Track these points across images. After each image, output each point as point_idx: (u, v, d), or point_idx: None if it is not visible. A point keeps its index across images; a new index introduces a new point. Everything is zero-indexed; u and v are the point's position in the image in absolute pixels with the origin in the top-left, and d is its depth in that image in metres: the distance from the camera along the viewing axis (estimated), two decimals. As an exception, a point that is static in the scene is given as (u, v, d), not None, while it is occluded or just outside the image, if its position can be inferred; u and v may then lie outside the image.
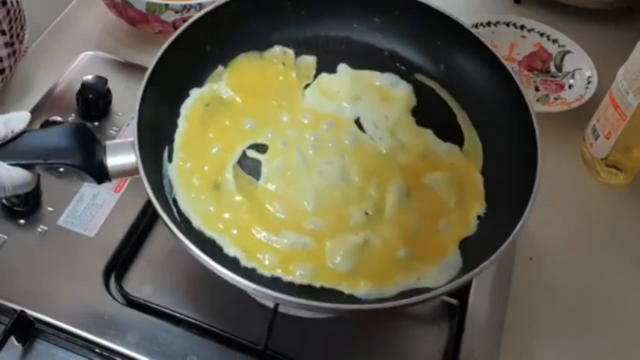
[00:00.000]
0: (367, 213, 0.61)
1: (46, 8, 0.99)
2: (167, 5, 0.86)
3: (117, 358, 0.62)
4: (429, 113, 0.68)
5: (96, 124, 0.78)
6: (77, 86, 0.78)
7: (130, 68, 0.85)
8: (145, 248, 0.69)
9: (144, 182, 0.55)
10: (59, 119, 0.74)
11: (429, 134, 0.67)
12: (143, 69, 0.84)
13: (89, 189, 0.72)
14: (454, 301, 0.69)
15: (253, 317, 0.64)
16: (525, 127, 0.62)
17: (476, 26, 0.99)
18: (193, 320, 0.63)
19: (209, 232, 0.59)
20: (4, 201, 0.69)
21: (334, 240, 0.59)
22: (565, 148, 0.88)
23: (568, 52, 0.97)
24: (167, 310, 0.64)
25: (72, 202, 0.71)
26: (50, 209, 0.70)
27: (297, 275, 0.57)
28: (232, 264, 0.57)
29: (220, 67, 0.68)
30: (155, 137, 0.61)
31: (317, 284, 0.57)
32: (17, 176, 0.54)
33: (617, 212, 0.82)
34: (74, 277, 0.66)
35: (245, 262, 0.58)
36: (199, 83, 0.67)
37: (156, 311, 0.64)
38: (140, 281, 0.67)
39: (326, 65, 0.70)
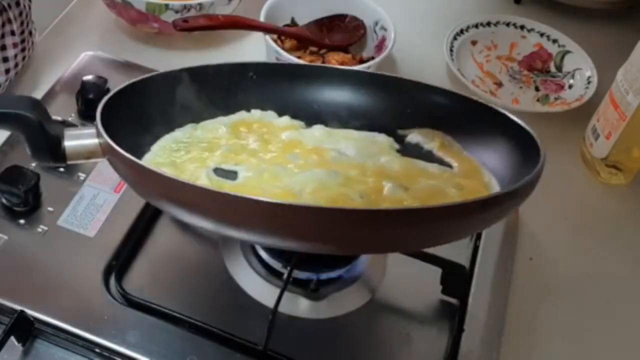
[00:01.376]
0: (361, 197, 0.56)
1: (46, 8, 0.99)
2: (167, 5, 0.86)
3: (117, 358, 0.61)
4: (414, 153, 0.66)
5: (96, 124, 0.78)
6: (77, 86, 0.78)
7: (130, 68, 0.85)
8: (145, 248, 0.69)
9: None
10: (59, 118, 0.74)
11: (419, 162, 0.64)
12: (143, 69, 0.85)
13: (89, 189, 0.72)
14: (454, 301, 0.69)
15: (253, 317, 0.64)
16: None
17: (476, 26, 0.99)
18: (193, 320, 0.63)
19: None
20: (4, 201, 0.69)
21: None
22: (565, 148, 0.88)
23: (568, 52, 0.97)
24: (167, 310, 0.64)
25: (72, 202, 0.71)
26: (50, 209, 0.70)
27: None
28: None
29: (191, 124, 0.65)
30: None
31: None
32: None
33: (617, 212, 0.83)
34: (74, 277, 0.66)
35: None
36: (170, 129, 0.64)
37: (156, 311, 0.64)
38: (140, 281, 0.67)
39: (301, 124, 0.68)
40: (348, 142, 0.65)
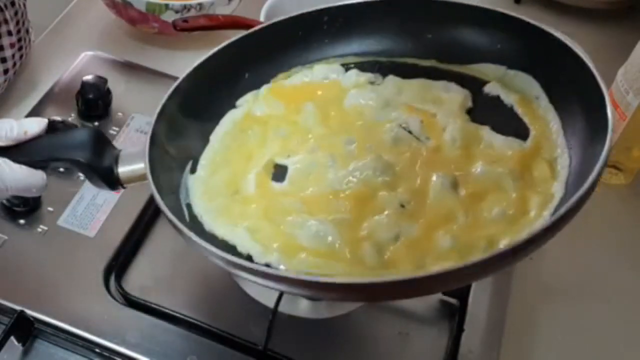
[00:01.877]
0: (402, 205, 0.55)
1: (46, 8, 0.99)
2: (167, 5, 0.86)
3: (117, 358, 0.62)
4: (489, 113, 0.62)
5: (96, 123, 0.78)
6: (77, 86, 0.78)
7: (130, 68, 0.85)
8: (145, 248, 0.69)
9: (152, 189, 0.53)
10: (59, 118, 0.74)
11: (485, 129, 0.60)
12: (143, 69, 0.85)
13: (89, 189, 0.72)
14: (454, 301, 0.69)
15: (253, 317, 0.64)
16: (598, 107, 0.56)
17: (476, 26, 0.99)
18: (193, 320, 0.63)
19: (220, 231, 0.55)
20: (4, 201, 0.69)
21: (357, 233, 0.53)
22: (565, 148, 0.88)
23: (568, 52, 0.97)
24: (167, 310, 0.64)
25: (72, 202, 0.71)
26: (50, 209, 0.70)
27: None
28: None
29: (254, 91, 0.65)
30: (179, 150, 0.59)
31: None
32: (21, 176, 0.54)
33: (617, 212, 0.82)
34: (74, 277, 0.66)
35: (259, 258, 0.53)
36: (234, 103, 0.64)
37: (156, 311, 0.64)
38: (140, 281, 0.67)
39: (371, 78, 0.65)
40: (414, 101, 0.62)
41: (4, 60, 0.79)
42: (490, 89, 0.63)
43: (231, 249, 0.54)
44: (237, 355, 0.62)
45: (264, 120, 0.62)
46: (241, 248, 0.54)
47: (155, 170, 0.55)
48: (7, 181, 0.53)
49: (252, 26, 0.87)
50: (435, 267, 0.50)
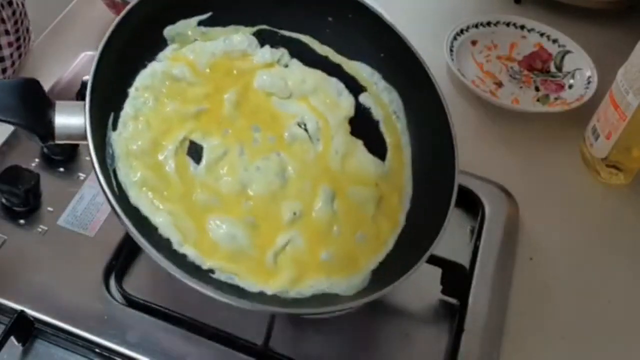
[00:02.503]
0: (295, 213, 0.61)
1: (46, 8, 0.99)
2: (167, 5, 0.86)
3: (117, 358, 0.62)
4: (362, 126, 0.67)
5: (96, 123, 0.78)
6: (77, 86, 0.78)
7: (130, 68, 0.85)
8: (145, 248, 0.69)
9: (91, 152, 0.54)
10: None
11: (359, 144, 0.66)
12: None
13: (89, 189, 0.72)
14: (454, 301, 0.69)
15: (253, 317, 0.64)
16: (448, 161, 0.63)
17: (476, 26, 0.99)
18: (193, 321, 0.63)
19: (144, 209, 0.57)
20: (4, 201, 0.69)
21: (264, 237, 0.59)
22: (565, 148, 0.88)
23: (568, 52, 0.97)
24: (167, 310, 0.64)
25: (72, 202, 0.71)
26: (50, 209, 0.70)
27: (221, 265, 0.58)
28: (164, 246, 0.56)
29: (175, 45, 0.65)
30: (104, 103, 0.58)
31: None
32: None
33: (617, 212, 0.82)
34: (74, 277, 0.66)
35: (177, 246, 0.57)
36: (156, 57, 0.64)
37: (156, 311, 0.64)
38: (140, 281, 0.67)
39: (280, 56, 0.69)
40: (314, 100, 0.67)
41: (2, 59, 0.79)
42: (364, 99, 0.68)
43: (154, 228, 0.57)
44: (237, 355, 0.62)
45: (182, 87, 0.64)
46: (162, 231, 0.57)
47: (93, 130, 0.55)
48: None
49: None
50: (308, 282, 0.59)
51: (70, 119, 0.55)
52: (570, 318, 0.72)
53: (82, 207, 0.70)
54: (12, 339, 0.61)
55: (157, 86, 0.63)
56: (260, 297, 0.57)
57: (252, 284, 0.57)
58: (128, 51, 0.61)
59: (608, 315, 0.73)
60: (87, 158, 0.74)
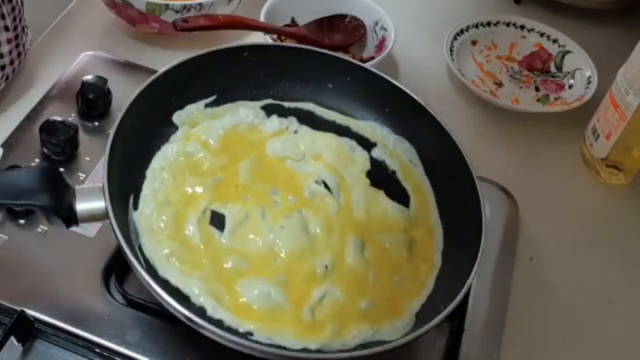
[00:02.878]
0: (326, 267, 0.61)
1: (46, 8, 0.99)
2: (167, 5, 0.86)
3: (117, 358, 0.62)
4: (380, 178, 0.70)
5: (96, 123, 0.78)
6: (77, 86, 0.78)
7: (130, 68, 0.85)
8: (145, 248, 0.69)
9: (115, 231, 0.56)
10: (59, 118, 0.74)
11: (381, 194, 0.68)
12: (143, 69, 0.85)
13: (89, 189, 0.72)
14: (454, 301, 0.69)
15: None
16: (471, 193, 0.64)
17: (476, 26, 0.99)
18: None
19: (173, 279, 0.59)
20: (4, 201, 0.69)
21: (298, 293, 0.60)
22: (565, 148, 0.88)
23: (568, 52, 0.97)
24: (167, 311, 0.64)
25: (72, 202, 0.71)
26: (50, 209, 0.70)
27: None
28: (199, 314, 0.56)
29: (185, 127, 0.68)
30: (123, 185, 0.61)
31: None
32: None
33: (617, 212, 0.83)
34: (74, 277, 0.66)
35: (212, 312, 0.57)
36: (168, 140, 0.67)
37: (156, 311, 0.64)
38: (140, 281, 0.67)
39: (290, 126, 0.72)
40: (329, 158, 0.69)
41: (0, 56, 0.79)
42: (377, 154, 0.71)
43: (186, 298, 0.58)
44: (237, 355, 0.62)
45: (197, 162, 0.66)
46: (194, 300, 0.58)
47: (115, 210, 0.57)
48: None
49: (252, 26, 0.87)
50: (351, 332, 0.58)
51: (91, 203, 0.57)
52: (570, 318, 0.72)
53: (82, 207, 0.70)
54: (12, 339, 0.61)
55: (173, 164, 0.65)
56: (304, 352, 0.57)
57: (293, 342, 0.57)
58: (139, 138, 0.64)
59: (608, 315, 0.73)
60: (87, 158, 0.75)
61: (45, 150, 0.73)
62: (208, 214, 0.63)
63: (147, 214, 0.61)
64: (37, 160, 0.73)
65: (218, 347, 0.62)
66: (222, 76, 0.70)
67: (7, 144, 0.74)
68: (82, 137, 0.75)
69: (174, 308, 0.54)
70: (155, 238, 0.60)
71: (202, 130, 0.68)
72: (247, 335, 0.56)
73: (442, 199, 0.69)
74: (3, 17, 0.78)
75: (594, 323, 0.72)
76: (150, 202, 0.62)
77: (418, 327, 0.57)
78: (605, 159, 0.83)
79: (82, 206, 0.57)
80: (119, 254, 0.67)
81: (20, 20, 0.82)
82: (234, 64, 0.70)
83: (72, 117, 0.78)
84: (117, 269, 0.66)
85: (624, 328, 0.72)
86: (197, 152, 0.67)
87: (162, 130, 0.67)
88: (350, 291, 0.61)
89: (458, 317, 0.67)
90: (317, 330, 0.58)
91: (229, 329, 0.56)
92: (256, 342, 0.56)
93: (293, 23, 0.93)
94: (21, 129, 0.76)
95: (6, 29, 0.79)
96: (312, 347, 0.57)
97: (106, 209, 0.56)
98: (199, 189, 0.64)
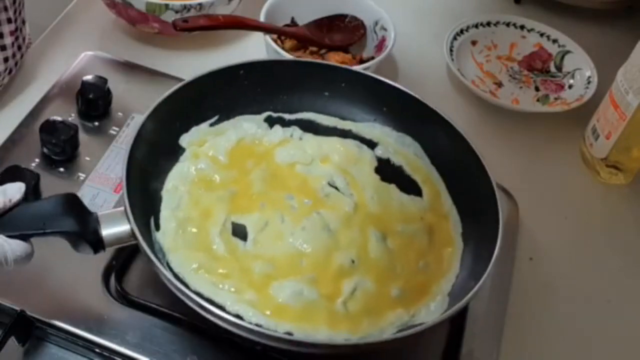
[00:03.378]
0: (353, 261, 0.63)
1: (46, 8, 0.99)
2: (167, 5, 0.86)
3: (117, 358, 0.62)
4: (389, 173, 0.72)
5: (96, 123, 0.78)
6: (77, 86, 0.78)
7: (130, 68, 0.85)
8: (145, 248, 0.69)
9: (146, 250, 0.56)
10: (59, 118, 0.74)
11: (393, 187, 0.70)
12: (143, 69, 0.85)
13: (89, 189, 0.72)
14: (454, 301, 0.69)
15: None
16: (480, 174, 0.66)
17: (476, 26, 0.99)
18: (193, 321, 0.63)
19: (206, 292, 0.59)
20: (4, 201, 0.69)
21: (329, 288, 0.61)
22: (565, 148, 0.88)
23: (568, 52, 0.97)
24: (167, 310, 0.64)
25: (72, 202, 0.71)
26: (50, 209, 0.70)
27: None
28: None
29: (193, 147, 0.70)
30: (142, 208, 0.61)
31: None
32: (18, 248, 0.54)
33: (617, 212, 0.83)
34: (74, 277, 0.66)
35: (249, 318, 0.58)
36: (178, 160, 0.68)
37: (156, 311, 0.64)
38: (140, 281, 0.67)
39: (294, 133, 0.73)
40: (337, 159, 0.71)
41: (3, 47, 0.79)
42: (381, 152, 0.73)
43: (222, 308, 0.58)
44: (237, 355, 0.62)
45: (209, 177, 0.68)
46: (230, 308, 0.59)
47: (142, 232, 0.58)
48: (9, 258, 0.54)
49: (252, 26, 0.87)
50: (388, 319, 0.60)
51: (116, 228, 0.58)
52: (570, 318, 0.72)
53: (82, 207, 0.70)
54: (12, 339, 0.61)
55: (186, 182, 0.67)
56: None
57: (333, 336, 0.58)
58: (151, 163, 0.65)
59: (608, 315, 0.73)
60: (87, 158, 0.75)
61: (45, 150, 0.73)
62: (229, 226, 0.64)
63: (170, 232, 0.63)
64: (37, 160, 0.73)
65: (218, 346, 0.62)
66: (221, 97, 0.72)
67: (7, 144, 0.74)
68: (82, 137, 0.75)
69: (218, 316, 0.55)
70: (182, 254, 0.61)
71: (209, 147, 0.70)
72: (288, 335, 0.57)
73: (452, 184, 0.71)
74: (6, 10, 0.78)
75: (593, 323, 0.72)
76: (171, 221, 0.63)
77: (452, 306, 0.58)
78: (605, 159, 0.83)
79: (107, 231, 0.58)
80: (119, 254, 0.67)
81: (20, 13, 0.82)
82: (232, 83, 0.72)
83: (72, 117, 0.78)
84: (117, 269, 0.66)
85: (623, 327, 0.72)
86: (207, 168, 0.68)
87: (171, 153, 0.69)
88: (379, 280, 0.62)
89: (458, 317, 0.67)
90: (355, 322, 0.59)
91: (268, 332, 0.57)
92: (301, 342, 0.57)
93: (293, 23, 0.93)
94: (21, 128, 0.76)
95: (9, 21, 0.79)
96: (354, 339, 0.58)
97: (132, 230, 0.57)
98: (215, 203, 0.65)
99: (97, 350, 0.62)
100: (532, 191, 0.82)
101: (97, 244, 0.58)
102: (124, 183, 0.60)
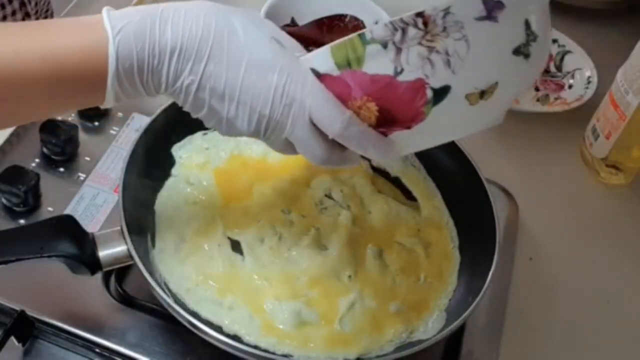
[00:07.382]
0: (349, 276, 0.62)
1: (46, 8, 0.99)
2: (167, 5, 0.86)
3: (117, 358, 0.62)
4: (385, 184, 0.71)
5: (96, 123, 0.78)
6: (77, 86, 0.78)
7: (130, 68, 0.85)
8: (145, 248, 0.69)
9: (144, 273, 0.57)
10: (59, 118, 0.74)
11: (389, 200, 0.69)
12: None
13: (89, 189, 0.72)
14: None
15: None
16: (477, 186, 0.67)
17: (476, 26, 0.99)
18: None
19: (203, 312, 0.59)
20: (4, 201, 0.69)
21: (327, 307, 0.61)
22: (565, 148, 0.88)
23: (568, 52, 0.97)
24: (167, 311, 0.64)
25: (72, 202, 0.71)
26: (50, 209, 0.70)
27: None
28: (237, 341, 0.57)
29: (184, 158, 0.69)
30: (138, 225, 0.61)
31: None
32: None
33: (617, 212, 0.83)
34: (74, 277, 0.65)
35: (247, 339, 0.58)
36: (170, 173, 0.68)
37: (156, 311, 0.64)
38: (140, 281, 0.66)
39: None
40: (332, 184, 0.69)
41: None
42: (377, 163, 0.72)
43: (219, 328, 0.58)
44: (236, 355, 0.62)
45: (201, 192, 0.66)
46: (227, 329, 0.59)
47: (138, 251, 0.57)
48: None
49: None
50: (387, 336, 0.60)
51: (113, 249, 0.58)
52: (570, 318, 0.72)
53: (82, 208, 0.70)
54: (12, 339, 0.61)
55: (179, 196, 0.66)
56: None
57: (332, 355, 0.58)
58: (144, 179, 0.65)
59: (607, 315, 0.73)
60: (87, 158, 0.75)
61: (45, 150, 0.73)
62: (226, 242, 0.63)
63: (166, 250, 0.62)
64: (37, 160, 0.73)
65: (218, 347, 0.62)
66: None
67: (7, 144, 0.74)
68: (82, 137, 0.75)
69: (216, 339, 0.55)
70: (179, 272, 0.61)
71: (203, 160, 0.69)
72: (286, 358, 0.57)
73: (449, 196, 0.70)
74: (29, 16, 0.78)
75: (593, 322, 0.72)
76: (167, 238, 0.63)
77: (450, 323, 0.59)
78: (605, 159, 0.83)
79: (104, 252, 0.58)
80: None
81: (43, 4, 0.82)
82: None
83: (72, 117, 0.78)
84: (117, 269, 0.66)
85: (623, 327, 0.72)
86: (198, 182, 0.67)
87: (164, 165, 0.68)
88: (377, 296, 0.62)
89: (458, 317, 0.67)
90: (354, 340, 0.59)
91: (266, 355, 0.57)
92: None
93: (293, 23, 0.93)
94: (21, 128, 0.76)
95: (27, 15, 0.79)
96: (352, 357, 0.58)
97: (128, 251, 0.57)
98: (210, 219, 0.64)
99: (97, 350, 0.62)
100: (532, 191, 0.82)
101: (94, 266, 0.58)
102: (120, 204, 0.59)
